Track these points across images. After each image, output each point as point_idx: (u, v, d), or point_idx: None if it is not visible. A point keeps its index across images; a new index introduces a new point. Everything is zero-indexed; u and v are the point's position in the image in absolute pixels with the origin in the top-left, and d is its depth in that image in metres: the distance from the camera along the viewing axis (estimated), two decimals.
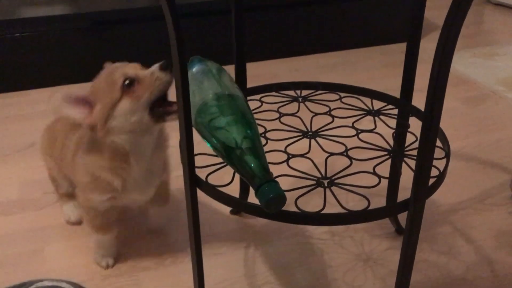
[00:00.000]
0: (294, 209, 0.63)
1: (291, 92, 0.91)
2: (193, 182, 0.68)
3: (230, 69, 0.90)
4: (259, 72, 1.71)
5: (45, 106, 1.54)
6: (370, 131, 0.79)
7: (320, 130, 0.80)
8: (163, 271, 0.95)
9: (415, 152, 0.67)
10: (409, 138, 0.81)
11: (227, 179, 0.68)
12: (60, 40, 1.64)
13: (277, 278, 0.93)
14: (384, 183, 0.70)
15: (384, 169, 0.76)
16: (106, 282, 0.92)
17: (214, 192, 0.66)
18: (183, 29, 0.58)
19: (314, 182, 0.67)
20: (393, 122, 0.86)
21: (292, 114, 0.84)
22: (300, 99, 0.89)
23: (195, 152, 0.68)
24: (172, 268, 0.95)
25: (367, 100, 0.88)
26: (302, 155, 0.73)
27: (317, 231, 1.03)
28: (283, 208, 0.61)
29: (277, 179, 0.68)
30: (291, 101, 0.89)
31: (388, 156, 0.73)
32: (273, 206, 0.57)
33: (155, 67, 0.81)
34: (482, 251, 0.98)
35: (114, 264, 0.96)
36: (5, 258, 0.98)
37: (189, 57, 0.77)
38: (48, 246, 1.01)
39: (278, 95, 0.91)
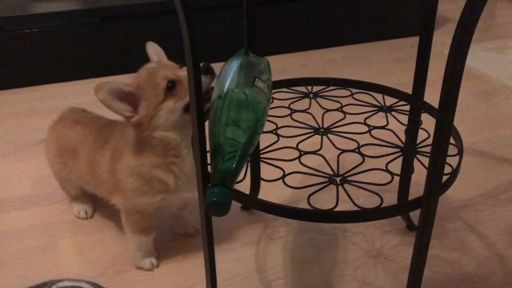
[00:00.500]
0: (307, 206, 0.63)
1: (302, 88, 0.91)
2: (205, 178, 0.68)
3: None
4: None
5: (56, 101, 1.55)
6: (382, 127, 0.79)
7: (332, 126, 0.80)
8: (175, 266, 0.95)
9: (427, 149, 0.67)
10: (421, 134, 0.81)
11: (239, 176, 0.68)
12: (70, 35, 1.65)
13: (288, 273, 0.93)
14: (396, 179, 0.69)
15: (396, 166, 0.76)
16: (119, 277, 0.93)
17: (234, 195, 0.65)
18: (194, 24, 0.58)
19: (326, 179, 0.67)
20: (405, 118, 0.85)
21: (304, 111, 0.84)
22: (311, 95, 0.89)
23: (207, 149, 0.68)
24: (184, 263, 0.96)
25: (378, 96, 0.88)
26: (314, 152, 0.73)
27: (328, 227, 1.03)
28: (296, 205, 0.61)
29: (289, 176, 0.69)
30: (302, 97, 0.89)
31: (400, 153, 0.73)
32: (213, 210, 0.57)
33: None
34: (494, 247, 0.98)
35: (159, 264, 0.96)
36: (19, 252, 0.99)
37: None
38: (61, 240, 1.02)
39: (289, 91, 0.91)
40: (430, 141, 0.62)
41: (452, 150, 0.70)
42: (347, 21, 1.89)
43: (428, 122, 0.82)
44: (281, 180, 0.68)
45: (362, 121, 0.80)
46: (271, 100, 0.85)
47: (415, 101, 0.86)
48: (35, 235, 1.03)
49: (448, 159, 0.65)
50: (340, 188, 0.66)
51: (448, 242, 1.00)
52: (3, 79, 1.64)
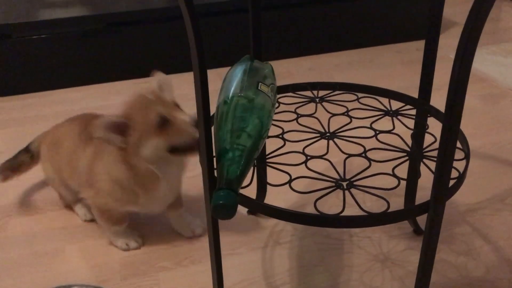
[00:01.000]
0: (313, 210, 0.63)
1: (308, 92, 0.91)
2: (212, 184, 0.68)
3: None
4: (275, 71, 1.71)
5: (64, 106, 1.56)
6: (389, 131, 0.79)
7: (338, 131, 0.80)
8: (182, 271, 0.95)
9: (434, 153, 0.67)
10: (428, 138, 0.81)
11: (245, 180, 0.69)
12: (78, 41, 1.66)
13: (294, 278, 0.93)
14: (402, 183, 0.69)
15: (403, 170, 0.76)
16: (126, 282, 0.93)
17: (240, 198, 0.66)
18: (200, 29, 0.58)
19: (333, 184, 0.67)
20: (411, 123, 0.85)
21: (310, 115, 0.84)
22: (317, 100, 0.89)
23: (214, 154, 0.69)
24: (191, 268, 0.96)
25: (384, 100, 0.88)
26: (320, 157, 0.73)
27: (335, 231, 1.03)
28: (303, 210, 0.61)
29: (295, 181, 0.69)
30: (308, 102, 0.89)
31: (406, 157, 0.73)
32: (219, 213, 0.57)
33: (189, 118, 0.84)
34: (501, 251, 0.98)
35: (143, 244, 1.02)
36: (27, 258, 0.99)
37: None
38: (69, 245, 1.02)
39: (295, 95, 0.91)
40: (436, 145, 0.62)
41: (459, 154, 0.70)
42: (353, 25, 1.90)
43: (434, 126, 0.82)
44: (287, 185, 0.68)
45: (368, 126, 0.81)
46: (276, 105, 0.86)
47: (421, 105, 0.86)
48: (42, 241, 1.04)
49: (455, 164, 0.65)
50: (347, 192, 0.66)
51: (455, 246, 0.99)
52: (11, 85, 1.65)
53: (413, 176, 0.92)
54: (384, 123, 0.82)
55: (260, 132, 0.65)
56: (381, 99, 0.88)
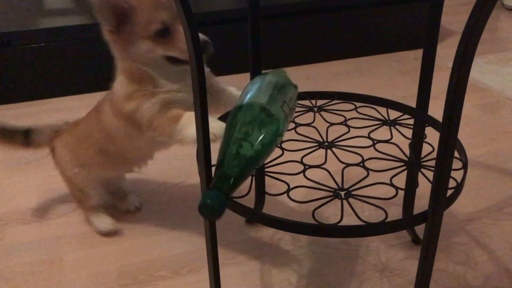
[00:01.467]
0: (312, 220, 0.63)
1: (306, 102, 0.92)
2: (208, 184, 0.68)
3: (246, 77, 0.90)
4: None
5: (64, 114, 1.56)
6: (386, 141, 0.79)
7: (336, 140, 0.80)
8: (180, 280, 0.95)
9: (432, 163, 0.67)
10: (426, 148, 0.81)
11: (243, 190, 0.69)
12: (77, 50, 1.66)
13: None
14: (401, 192, 0.69)
15: (401, 179, 0.76)
16: None
17: (230, 202, 0.66)
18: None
19: (331, 193, 0.67)
20: (409, 132, 0.85)
21: (308, 124, 0.84)
22: (316, 109, 0.89)
23: (212, 162, 0.69)
24: (189, 277, 0.96)
25: (382, 110, 0.88)
26: (318, 166, 0.74)
27: (333, 241, 1.03)
28: (301, 219, 0.61)
29: (294, 190, 0.69)
30: (307, 111, 0.89)
31: (404, 167, 0.73)
32: (204, 212, 0.57)
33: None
34: (500, 261, 0.98)
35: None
36: (24, 266, 0.99)
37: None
38: (66, 254, 1.02)
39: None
40: (434, 154, 0.62)
41: (456, 164, 0.70)
42: (351, 34, 1.91)
43: (432, 135, 0.82)
44: (285, 194, 0.68)
45: (366, 135, 0.81)
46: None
47: (419, 114, 0.86)
48: (40, 249, 1.03)
49: (453, 173, 0.65)
50: (345, 202, 0.66)
51: (453, 256, 0.99)
52: (10, 93, 1.65)
53: (411, 185, 0.92)
54: (382, 133, 0.82)
55: (265, 149, 0.64)
56: (379, 108, 0.89)
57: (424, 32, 0.83)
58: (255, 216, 0.67)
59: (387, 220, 0.62)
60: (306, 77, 1.79)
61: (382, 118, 0.86)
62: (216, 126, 0.72)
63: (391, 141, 0.79)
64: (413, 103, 0.88)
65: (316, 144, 0.79)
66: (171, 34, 0.77)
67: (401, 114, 0.87)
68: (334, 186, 0.69)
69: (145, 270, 0.97)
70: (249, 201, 0.96)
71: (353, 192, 0.67)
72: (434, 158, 0.62)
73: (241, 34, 1.74)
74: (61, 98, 1.68)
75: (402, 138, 0.81)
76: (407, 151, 0.80)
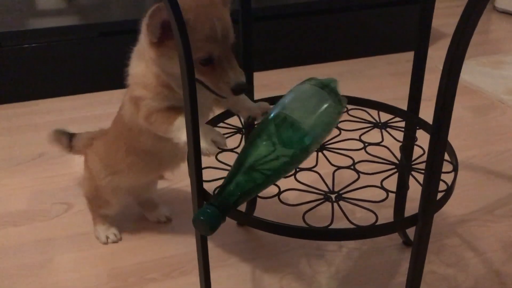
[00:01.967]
0: (302, 223, 0.63)
1: None
2: (201, 196, 0.68)
3: None
4: (265, 81, 1.72)
5: (55, 116, 1.55)
6: (377, 144, 0.79)
7: (327, 143, 0.80)
8: (170, 282, 0.95)
9: (422, 166, 0.67)
10: (417, 150, 0.81)
11: None
12: (68, 51, 1.66)
13: None
14: (391, 195, 0.70)
15: (392, 182, 0.76)
16: None
17: (224, 221, 0.65)
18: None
19: (322, 196, 0.67)
20: (400, 135, 0.86)
21: None
22: None
23: (203, 165, 0.69)
24: (180, 279, 0.95)
25: (374, 112, 0.88)
26: (309, 169, 0.73)
27: (324, 243, 1.03)
28: (293, 221, 0.61)
29: (285, 193, 0.69)
30: None
31: (395, 170, 0.73)
32: (198, 226, 0.58)
33: (235, 82, 0.71)
34: (490, 263, 0.98)
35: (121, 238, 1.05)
36: (14, 269, 0.98)
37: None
38: (57, 257, 1.01)
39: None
40: (425, 157, 0.62)
41: (447, 167, 0.71)
42: (344, 36, 1.91)
43: (423, 137, 0.82)
44: (277, 197, 0.68)
45: (357, 138, 0.81)
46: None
47: (410, 117, 0.86)
48: (30, 251, 1.02)
49: (444, 176, 0.65)
50: (336, 205, 0.66)
51: (444, 258, 0.99)
52: (1, 94, 1.64)
53: (402, 188, 0.92)
54: (373, 135, 0.83)
55: (279, 172, 0.64)
56: (370, 111, 0.89)
57: (416, 34, 0.83)
58: (246, 219, 0.66)
59: (378, 223, 0.62)
60: (299, 78, 1.78)
61: (374, 121, 0.86)
62: (209, 144, 0.70)
63: (382, 143, 0.79)
64: (405, 105, 0.89)
65: None
66: (213, 65, 0.72)
67: (392, 116, 0.87)
68: (325, 189, 0.69)
69: (136, 272, 0.97)
70: (241, 205, 0.96)
71: (344, 195, 0.67)
72: (425, 161, 0.62)
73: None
74: (52, 99, 1.67)
75: (393, 141, 0.81)
76: (398, 153, 0.81)
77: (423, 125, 0.83)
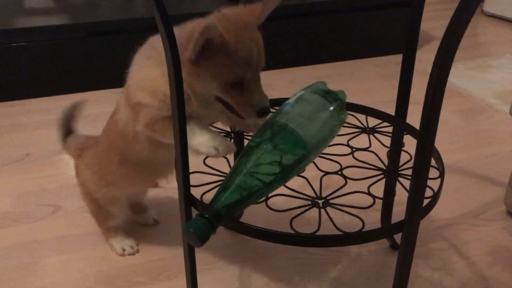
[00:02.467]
0: (289, 229, 0.63)
1: None
2: (188, 201, 0.68)
3: None
4: None
5: (42, 116, 1.54)
6: (365, 149, 0.80)
7: None
8: (158, 285, 0.94)
9: (409, 172, 0.67)
10: (404, 155, 0.82)
11: None
12: (57, 50, 1.64)
13: None
14: (379, 200, 0.70)
15: (379, 187, 0.76)
16: None
17: (215, 233, 0.65)
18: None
19: (309, 202, 0.67)
20: (388, 140, 0.86)
21: None
22: None
23: (191, 170, 0.68)
24: (167, 283, 0.95)
25: (362, 117, 0.89)
26: (297, 174, 0.73)
27: None
28: (280, 226, 0.61)
29: (272, 198, 0.69)
30: None
31: (382, 176, 0.73)
32: (187, 237, 0.58)
33: (259, 105, 0.71)
34: (476, 267, 0.99)
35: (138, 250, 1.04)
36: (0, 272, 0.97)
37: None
38: (43, 259, 1.00)
39: (273, 111, 0.91)
40: (412, 163, 0.62)
41: (433, 173, 0.71)
42: (334, 38, 1.91)
43: (411, 142, 0.83)
44: (264, 203, 0.68)
45: (345, 143, 0.81)
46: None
47: (397, 122, 0.86)
48: (16, 254, 1.01)
49: (430, 182, 0.66)
50: (323, 210, 0.66)
51: (431, 261, 1.00)
52: None
53: (389, 194, 0.92)
54: (361, 140, 0.83)
55: (276, 184, 0.63)
56: (358, 115, 0.89)
57: (405, 37, 0.83)
58: (233, 225, 0.66)
59: (364, 230, 0.62)
60: (289, 80, 1.79)
61: (361, 126, 0.86)
62: (220, 142, 0.71)
63: (369, 149, 0.80)
64: (393, 107, 0.89)
65: None
66: (242, 88, 0.71)
67: (380, 122, 0.87)
68: (313, 194, 0.69)
69: (123, 276, 0.96)
70: None
71: (331, 201, 0.67)
72: (411, 167, 0.62)
73: None
74: (40, 99, 1.66)
75: (381, 146, 0.82)
76: (385, 159, 0.81)
77: (411, 130, 0.83)
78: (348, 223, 0.67)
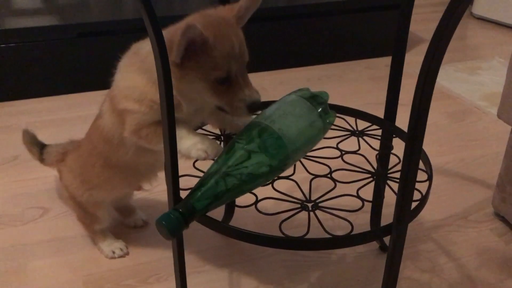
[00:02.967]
0: (279, 233, 0.63)
1: None
2: (176, 201, 0.68)
3: None
4: None
5: (31, 117, 1.53)
6: (354, 152, 0.80)
7: None
8: None
9: (398, 175, 0.68)
10: (393, 158, 0.82)
11: None
12: (46, 51, 1.63)
13: None
14: (368, 203, 0.70)
15: (368, 190, 0.76)
16: None
17: (187, 228, 0.65)
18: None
19: (299, 205, 0.68)
20: (377, 143, 0.86)
21: None
22: None
23: (180, 173, 0.68)
24: (156, 286, 0.95)
25: (351, 119, 0.89)
26: (286, 177, 0.74)
27: None
28: (270, 229, 0.61)
29: (261, 202, 0.69)
30: None
31: (371, 179, 0.74)
32: (159, 229, 0.59)
33: (249, 99, 0.71)
34: (464, 268, 1.00)
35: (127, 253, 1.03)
36: None
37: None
38: (31, 263, 0.99)
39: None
40: (400, 166, 0.63)
41: (422, 175, 0.72)
42: (324, 40, 1.92)
43: (401, 145, 0.83)
44: (254, 206, 0.68)
45: (335, 146, 0.81)
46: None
47: (386, 125, 0.87)
48: (3, 257, 1.01)
49: (418, 185, 0.66)
50: (312, 214, 0.66)
51: (420, 263, 1.01)
52: None
53: (378, 197, 0.93)
54: (350, 143, 0.83)
55: (253, 183, 0.63)
56: (347, 118, 0.89)
57: (394, 40, 0.84)
58: (222, 228, 0.66)
59: (353, 233, 0.63)
60: (279, 82, 1.79)
61: (351, 129, 0.86)
62: (208, 145, 0.70)
63: (359, 152, 0.80)
64: (383, 110, 0.89)
65: None
66: (230, 83, 0.71)
67: (369, 124, 0.88)
68: (302, 197, 0.69)
69: (112, 279, 0.96)
70: (219, 212, 0.96)
71: (320, 204, 0.68)
72: (400, 170, 0.63)
73: None
74: (29, 100, 1.64)
75: (370, 149, 0.82)
76: (374, 161, 0.81)
77: (399, 133, 0.84)
78: (338, 226, 0.67)
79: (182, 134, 0.72)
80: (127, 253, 1.02)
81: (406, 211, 0.62)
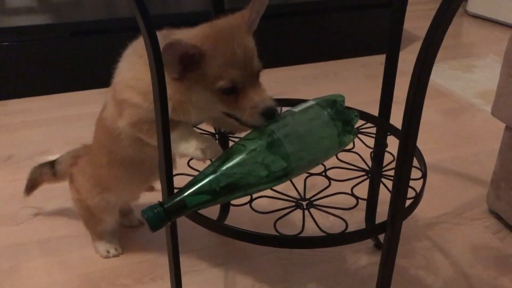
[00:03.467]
0: (274, 231, 0.63)
1: None
2: (170, 185, 0.67)
3: None
4: None
5: (24, 116, 1.52)
6: (349, 150, 0.80)
7: None
8: None
9: (393, 172, 0.68)
10: (388, 156, 0.82)
11: None
12: (39, 50, 1.62)
13: None
14: (362, 200, 0.70)
15: (363, 188, 0.77)
16: None
17: (192, 213, 0.65)
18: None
19: (293, 204, 0.68)
20: (371, 141, 0.87)
21: None
22: None
23: (174, 172, 0.68)
24: (152, 285, 0.94)
25: None
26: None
27: None
28: (265, 228, 0.61)
29: (256, 200, 0.69)
30: None
31: (366, 177, 0.74)
32: (146, 221, 0.59)
33: (263, 106, 0.67)
34: (459, 266, 1.00)
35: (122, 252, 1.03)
36: None
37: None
38: (25, 263, 0.99)
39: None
40: (395, 164, 0.63)
41: (416, 173, 0.72)
42: (319, 38, 1.92)
43: (395, 143, 0.83)
44: (248, 204, 0.68)
45: None
46: None
47: (381, 123, 0.87)
48: None
49: (412, 183, 0.66)
50: (307, 212, 0.66)
51: (415, 260, 1.01)
52: None
53: (373, 195, 0.93)
54: None
55: (248, 189, 0.62)
56: None
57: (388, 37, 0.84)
58: (216, 227, 0.66)
59: (347, 231, 0.63)
60: (274, 80, 1.79)
61: None
62: (208, 146, 0.70)
63: (353, 150, 0.80)
64: (377, 107, 0.89)
65: None
66: (237, 93, 0.68)
67: (364, 122, 0.88)
68: (297, 195, 0.69)
69: (107, 278, 0.96)
70: (214, 210, 0.96)
71: (315, 202, 0.68)
72: (394, 168, 0.63)
73: None
74: (22, 99, 1.64)
75: (364, 146, 0.82)
76: (369, 159, 0.81)
77: (394, 131, 0.84)
78: (333, 224, 0.67)
79: (183, 134, 0.71)
80: (122, 253, 1.01)
81: (401, 208, 0.62)
